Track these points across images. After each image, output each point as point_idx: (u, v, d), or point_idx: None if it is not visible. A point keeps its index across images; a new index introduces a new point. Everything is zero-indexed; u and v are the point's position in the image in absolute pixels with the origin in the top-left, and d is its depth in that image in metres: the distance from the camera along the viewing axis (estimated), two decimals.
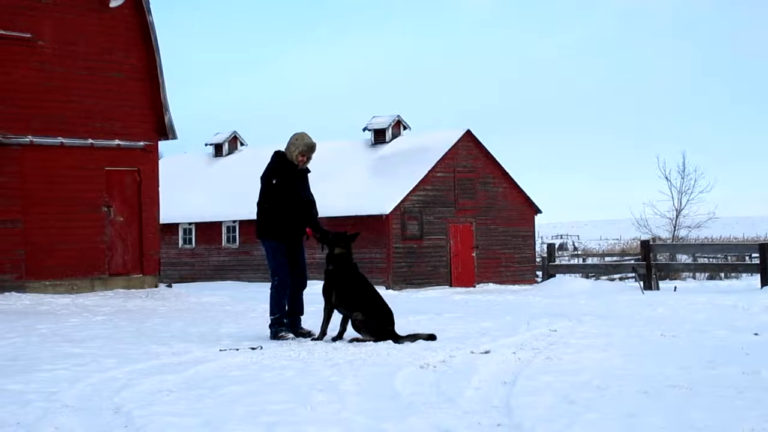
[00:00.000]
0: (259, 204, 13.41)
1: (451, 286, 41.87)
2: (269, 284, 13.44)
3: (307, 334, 13.05)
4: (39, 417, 7.54)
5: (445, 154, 43.88)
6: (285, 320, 13.14)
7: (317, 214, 13.56)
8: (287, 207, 13.17)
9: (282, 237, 13.21)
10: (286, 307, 13.21)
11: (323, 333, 12.78)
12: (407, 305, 18.83)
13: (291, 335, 12.95)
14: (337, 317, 12.88)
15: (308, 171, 13.59)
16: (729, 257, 51.89)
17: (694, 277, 47.97)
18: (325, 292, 12.87)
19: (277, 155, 13.43)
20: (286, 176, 13.23)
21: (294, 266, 13.31)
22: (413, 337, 12.43)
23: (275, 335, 12.97)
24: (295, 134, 13.44)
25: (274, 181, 13.22)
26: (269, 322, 13.24)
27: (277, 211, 13.19)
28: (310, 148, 13.35)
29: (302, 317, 13.44)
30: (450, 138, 44.85)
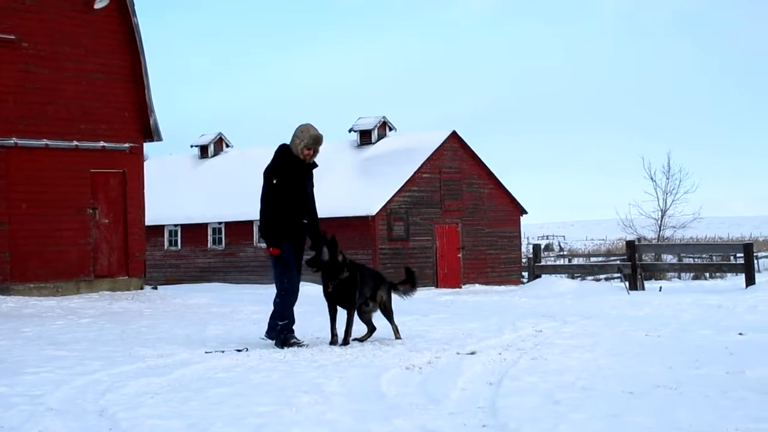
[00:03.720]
0: (261, 203, 12.63)
1: (437, 287, 41.84)
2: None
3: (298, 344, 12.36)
4: (23, 420, 7.52)
5: (431, 155, 43.88)
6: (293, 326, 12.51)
7: (316, 215, 12.94)
8: (290, 208, 12.44)
9: (288, 239, 12.44)
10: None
11: (350, 335, 12.61)
12: (393, 306, 18.82)
13: (306, 342, 12.36)
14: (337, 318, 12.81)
15: (315, 165, 12.78)
16: (714, 257, 52.01)
17: (679, 278, 48.07)
18: (351, 296, 12.56)
19: (282, 150, 12.59)
20: (290, 174, 12.45)
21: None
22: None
23: (286, 342, 12.25)
24: (299, 126, 12.61)
25: (274, 181, 12.41)
26: (278, 327, 12.39)
27: (279, 212, 12.42)
28: (317, 140, 12.51)
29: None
30: (435, 139, 44.86)
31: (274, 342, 12.42)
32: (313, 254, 12.56)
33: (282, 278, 12.46)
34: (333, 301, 12.65)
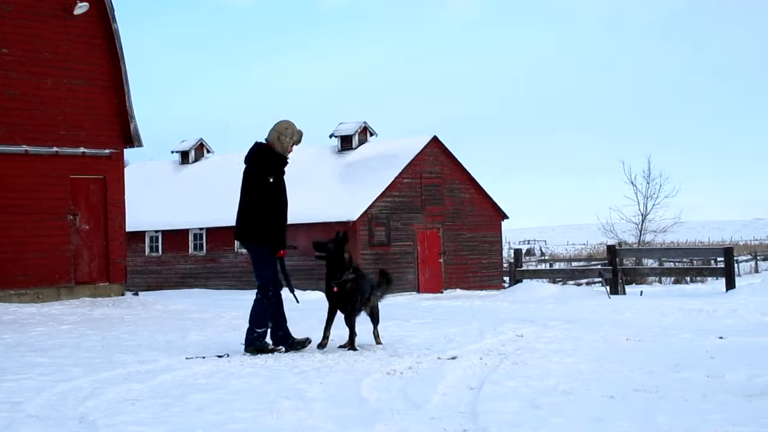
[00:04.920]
0: (249, 203, 12.21)
1: (418, 292, 41.89)
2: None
3: (303, 344, 12.21)
4: (3, 427, 7.49)
5: (412, 160, 43.96)
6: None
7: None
8: (282, 208, 12.16)
9: (277, 242, 12.15)
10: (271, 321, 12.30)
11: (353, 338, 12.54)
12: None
13: (282, 348, 12.17)
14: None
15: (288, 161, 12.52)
16: (695, 261, 52.24)
17: (660, 282, 48.26)
18: (353, 300, 12.38)
19: (264, 148, 12.27)
20: (281, 172, 12.20)
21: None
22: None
23: (262, 350, 12.01)
24: (281, 123, 12.33)
25: (271, 180, 12.07)
26: (255, 334, 12.11)
27: (273, 212, 12.09)
28: (301, 136, 12.39)
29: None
30: (416, 144, 44.96)
31: (244, 348, 12.17)
32: (323, 239, 12.47)
33: (268, 285, 12.20)
34: (335, 303, 12.45)
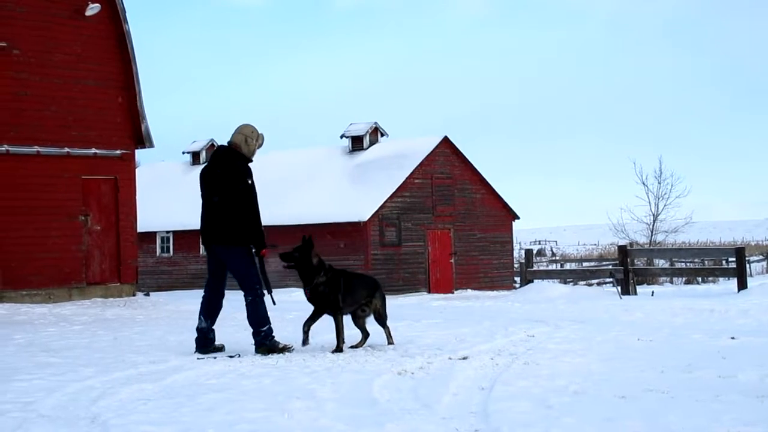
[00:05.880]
0: (226, 206, 12.22)
1: (429, 292, 41.87)
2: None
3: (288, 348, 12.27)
4: (15, 427, 7.50)
5: (423, 160, 43.95)
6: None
7: None
8: (257, 209, 12.37)
9: (259, 241, 12.28)
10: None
11: (342, 342, 12.36)
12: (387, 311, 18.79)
13: (293, 346, 12.21)
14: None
15: None
16: (706, 262, 52.12)
17: (671, 282, 48.16)
18: (332, 301, 12.33)
19: (234, 151, 12.38)
20: (252, 174, 12.41)
21: None
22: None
23: (273, 349, 12.05)
24: (246, 126, 12.52)
25: (249, 182, 12.24)
26: (261, 335, 12.19)
27: (253, 213, 12.21)
28: (264, 140, 12.61)
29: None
30: (427, 145, 44.94)
31: (254, 351, 12.21)
32: (289, 249, 12.53)
33: (256, 283, 12.34)
34: (315, 306, 12.49)
